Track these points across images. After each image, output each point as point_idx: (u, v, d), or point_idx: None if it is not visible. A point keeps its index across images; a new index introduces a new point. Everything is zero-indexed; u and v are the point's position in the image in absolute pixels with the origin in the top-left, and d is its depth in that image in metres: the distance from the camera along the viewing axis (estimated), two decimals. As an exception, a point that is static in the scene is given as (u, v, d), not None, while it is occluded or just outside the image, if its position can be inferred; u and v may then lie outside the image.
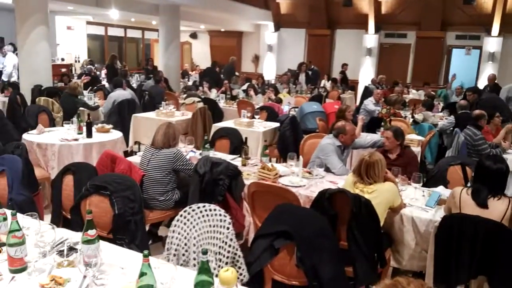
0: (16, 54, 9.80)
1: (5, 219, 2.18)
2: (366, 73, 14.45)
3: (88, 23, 14.48)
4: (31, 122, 5.29)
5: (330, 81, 12.31)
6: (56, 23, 12.56)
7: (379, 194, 2.84)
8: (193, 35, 18.44)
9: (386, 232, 3.00)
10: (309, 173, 3.76)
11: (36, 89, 7.15)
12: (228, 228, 2.26)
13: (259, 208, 3.18)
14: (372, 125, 5.93)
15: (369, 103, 7.29)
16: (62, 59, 12.35)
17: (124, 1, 10.31)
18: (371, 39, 14.54)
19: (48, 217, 3.32)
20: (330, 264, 2.13)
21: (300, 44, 16.05)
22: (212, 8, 12.30)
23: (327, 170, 3.86)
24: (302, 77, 11.99)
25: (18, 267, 1.92)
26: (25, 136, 4.61)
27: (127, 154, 5.72)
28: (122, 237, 2.62)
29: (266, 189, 3.13)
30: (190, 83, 12.35)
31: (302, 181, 3.57)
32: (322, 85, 12.30)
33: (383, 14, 14.50)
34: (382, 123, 5.71)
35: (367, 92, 10.06)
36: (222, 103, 8.39)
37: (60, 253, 2.06)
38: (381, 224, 2.80)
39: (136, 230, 2.70)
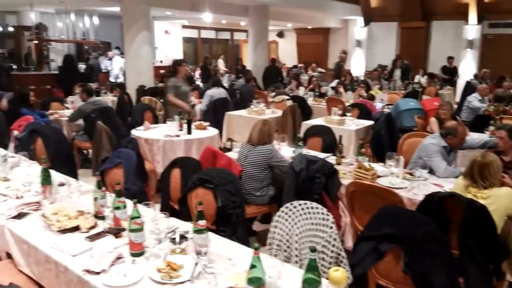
0: (122, 57, 10.76)
1: (124, 206, 2.40)
2: (467, 67, 13.36)
3: (184, 27, 15.35)
4: (137, 119, 5.76)
5: (426, 76, 11.61)
6: (155, 28, 13.50)
7: (495, 200, 2.59)
8: (280, 34, 18.61)
9: (502, 242, 2.73)
10: (411, 174, 3.58)
11: (141, 89, 7.75)
12: (331, 228, 2.24)
13: (359, 208, 3.10)
14: (477, 123, 5.46)
15: (474, 100, 6.72)
16: (161, 61, 13.26)
17: (216, 4, 10.73)
18: (472, 30, 13.41)
19: (155, 207, 3.57)
20: (442, 271, 1.99)
21: (392, 38, 15.35)
22: (300, 6, 12.29)
23: (431, 171, 3.64)
24: (397, 73, 11.44)
25: (138, 251, 2.10)
26: (134, 132, 5.03)
27: (221, 150, 5.97)
28: (224, 229, 2.73)
29: (366, 189, 3.04)
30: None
31: (403, 182, 3.40)
32: (416, 80, 11.64)
33: (486, 2, 13.27)
34: (491, 122, 5.22)
35: (469, 88, 9.29)
36: (310, 101, 8.35)
37: (173, 240, 2.21)
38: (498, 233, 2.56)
39: (237, 223, 2.80)
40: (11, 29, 11.83)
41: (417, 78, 11.76)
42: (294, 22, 15.47)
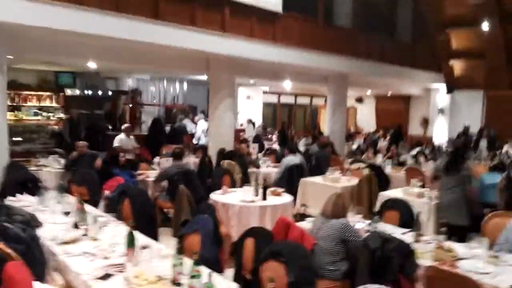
0: (206, 121, 11.51)
1: (200, 276, 2.51)
2: None
3: (264, 92, 16.15)
4: (216, 182, 6.05)
5: (516, 148, 10.78)
6: (238, 94, 14.33)
7: None
8: (359, 100, 18.71)
9: None
10: (496, 258, 3.30)
11: (221, 152, 8.17)
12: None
13: (438, 295, 2.90)
14: None
15: None
16: (241, 125, 13.91)
17: (296, 73, 11.22)
18: None
19: (228, 272, 3.63)
20: None
21: (477, 106, 14.72)
22: (380, 75, 12.38)
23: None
24: (483, 143, 10.80)
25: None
26: (212, 195, 5.28)
27: (295, 216, 5.98)
28: (295, 306, 2.70)
29: (446, 276, 2.86)
30: (354, 147, 12.41)
31: (488, 267, 3.14)
32: (504, 151, 10.85)
33: None
34: None
35: None
36: (388, 169, 8.14)
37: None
38: None
39: (308, 300, 2.76)
40: (110, 93, 13.33)
41: (505, 148, 10.96)
42: (373, 89, 15.54)
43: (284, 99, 17.58)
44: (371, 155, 9.44)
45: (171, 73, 12.67)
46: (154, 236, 4.10)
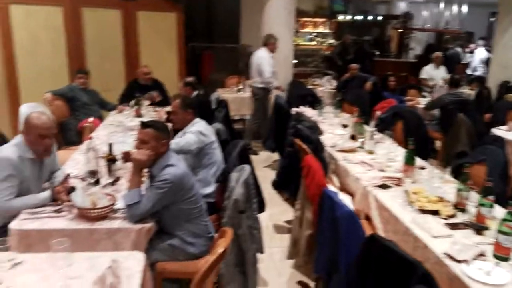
0: (486, 49, 9.97)
1: (491, 205, 2.28)
2: None
3: None
4: (499, 117, 5.26)
5: None
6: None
7: None
8: None
9: None
10: None
11: (504, 85, 6.99)
12: None
13: None
14: None
15: None
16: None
17: None
18: None
19: None
20: None
21: None
22: None
23: None
24: None
25: (504, 255, 1.97)
26: (495, 131, 4.62)
27: None
28: None
29: None
30: None
31: None
32: None
33: None
34: None
35: None
36: None
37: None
38: None
39: None
40: (379, 18, 13.01)
41: None
42: None
43: None
44: None
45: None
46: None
